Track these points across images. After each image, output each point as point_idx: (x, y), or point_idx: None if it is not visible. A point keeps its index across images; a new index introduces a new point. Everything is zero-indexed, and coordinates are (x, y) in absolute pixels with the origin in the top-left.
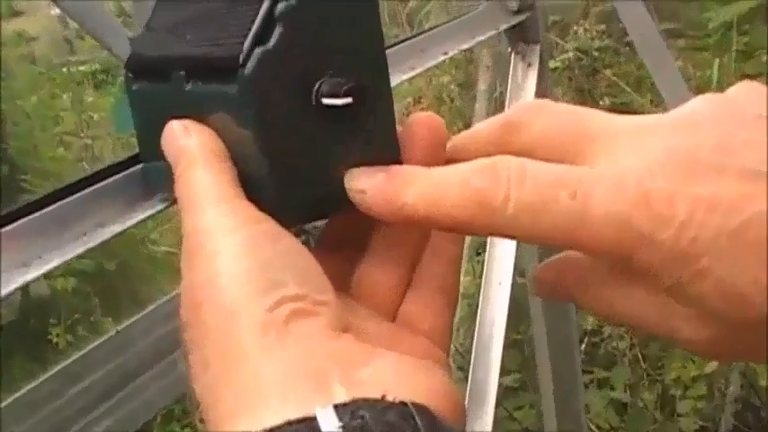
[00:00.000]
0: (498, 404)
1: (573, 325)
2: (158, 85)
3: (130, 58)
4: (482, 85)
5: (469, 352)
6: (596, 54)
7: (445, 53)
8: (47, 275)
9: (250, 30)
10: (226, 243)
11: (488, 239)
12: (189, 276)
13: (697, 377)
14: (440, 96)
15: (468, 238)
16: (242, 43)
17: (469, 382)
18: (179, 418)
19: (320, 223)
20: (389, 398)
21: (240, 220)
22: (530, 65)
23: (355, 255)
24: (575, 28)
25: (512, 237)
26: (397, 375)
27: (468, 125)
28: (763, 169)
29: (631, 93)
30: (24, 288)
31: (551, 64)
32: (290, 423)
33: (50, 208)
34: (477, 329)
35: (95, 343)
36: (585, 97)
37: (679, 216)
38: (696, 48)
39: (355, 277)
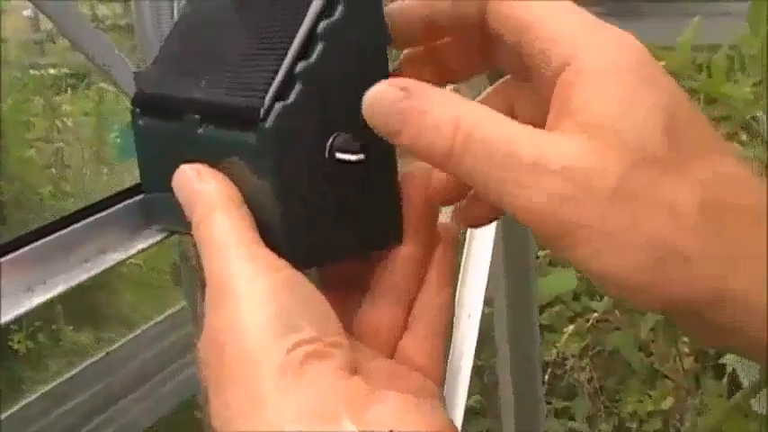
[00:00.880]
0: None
1: (537, 355)
2: (167, 123)
3: (138, 94)
4: None
5: None
6: None
7: None
8: None
9: (270, 84)
10: (249, 290)
11: (460, 276)
12: (213, 319)
13: (653, 412)
14: None
15: None
16: (263, 97)
17: None
18: None
19: None
20: None
21: (261, 267)
22: None
23: (355, 295)
24: None
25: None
26: (402, 414)
27: None
28: None
29: None
30: None
31: None
32: None
33: (54, 235)
34: (448, 361)
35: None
36: None
37: None
38: None
39: (357, 318)
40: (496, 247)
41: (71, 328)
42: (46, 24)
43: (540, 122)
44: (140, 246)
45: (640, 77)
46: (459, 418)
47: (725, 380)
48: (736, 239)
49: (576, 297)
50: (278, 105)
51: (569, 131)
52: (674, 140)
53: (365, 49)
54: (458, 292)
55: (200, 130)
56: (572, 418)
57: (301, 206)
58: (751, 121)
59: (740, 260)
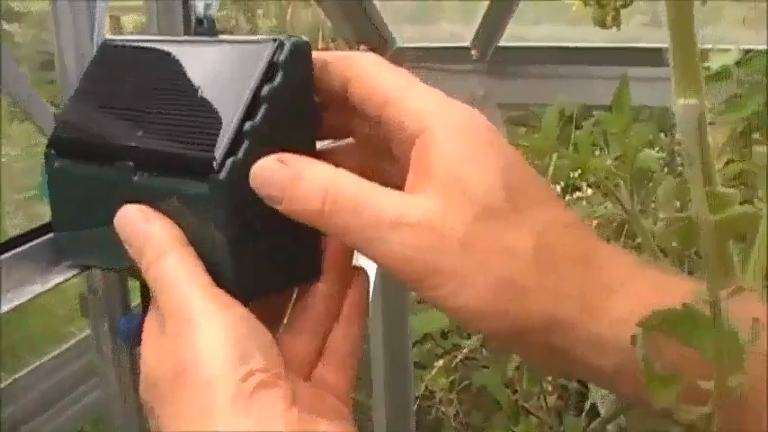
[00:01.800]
0: None
1: (411, 389)
2: (89, 167)
3: (56, 137)
4: None
5: None
6: None
7: None
8: None
9: (217, 139)
10: (209, 324)
11: None
12: (172, 345)
13: None
14: None
15: None
16: (211, 150)
17: None
18: None
19: None
20: None
21: (218, 305)
22: None
23: (273, 323)
24: None
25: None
26: None
27: None
28: None
29: None
30: None
31: None
32: None
33: None
34: None
35: None
36: None
37: None
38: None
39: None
40: (375, 289)
41: None
42: None
43: (398, 182)
44: (56, 280)
45: (483, 143)
46: None
47: (583, 415)
48: (563, 276)
49: (444, 335)
50: (229, 160)
51: (424, 190)
52: (512, 194)
53: (298, 109)
54: None
55: (136, 178)
56: None
57: (248, 250)
58: (614, 189)
59: (567, 293)
